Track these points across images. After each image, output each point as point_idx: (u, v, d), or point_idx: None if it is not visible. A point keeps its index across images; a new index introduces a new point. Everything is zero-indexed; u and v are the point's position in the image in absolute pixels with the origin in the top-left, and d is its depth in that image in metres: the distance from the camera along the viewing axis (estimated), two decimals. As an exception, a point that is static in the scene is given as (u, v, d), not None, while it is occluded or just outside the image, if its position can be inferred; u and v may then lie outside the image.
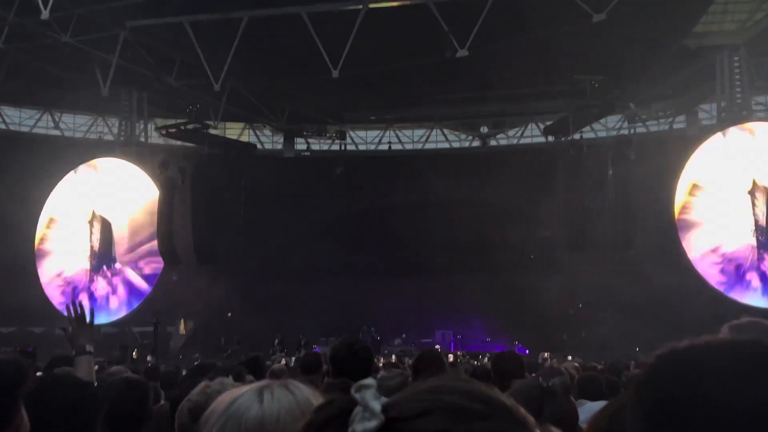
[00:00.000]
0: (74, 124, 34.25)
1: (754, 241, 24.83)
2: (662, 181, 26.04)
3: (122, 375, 4.28)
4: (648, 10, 22.43)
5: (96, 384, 3.84)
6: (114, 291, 29.36)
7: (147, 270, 29.17)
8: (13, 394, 2.02)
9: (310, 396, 1.58)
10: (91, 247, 29.98)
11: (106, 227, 29.92)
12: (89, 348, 4.05)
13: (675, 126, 31.78)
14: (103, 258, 29.80)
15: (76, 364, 4.02)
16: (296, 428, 1.46)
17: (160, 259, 28.41)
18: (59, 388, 2.68)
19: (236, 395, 1.58)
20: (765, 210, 24.61)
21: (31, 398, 2.18)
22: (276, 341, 25.95)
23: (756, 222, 24.80)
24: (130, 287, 29.24)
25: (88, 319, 4.19)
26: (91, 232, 29.98)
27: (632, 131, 32.23)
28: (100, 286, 29.55)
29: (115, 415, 3.27)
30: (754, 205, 24.72)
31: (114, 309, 28.97)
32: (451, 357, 22.38)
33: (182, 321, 30.39)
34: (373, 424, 0.88)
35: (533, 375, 5.17)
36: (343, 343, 4.43)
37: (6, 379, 2.00)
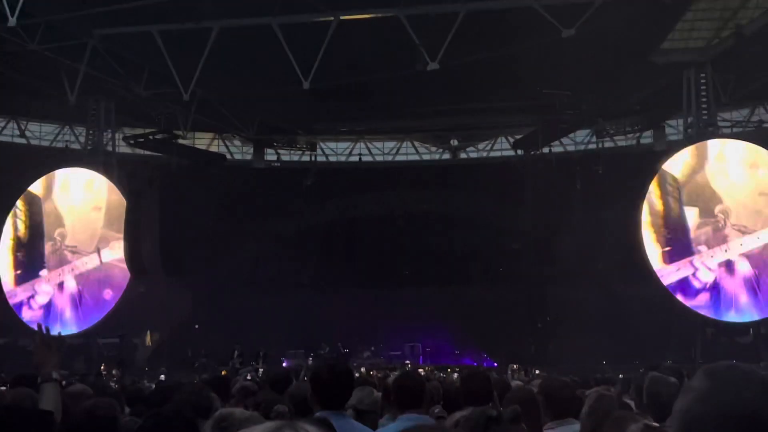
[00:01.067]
0: (41, 132, 33.82)
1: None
2: (629, 195, 26.28)
3: (86, 403, 4.13)
4: (616, 27, 22.66)
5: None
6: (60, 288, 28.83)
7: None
8: None
9: None
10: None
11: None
12: (56, 375, 3.92)
13: (642, 141, 32.12)
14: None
15: (41, 392, 3.87)
16: None
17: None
18: (16, 419, 2.57)
19: None
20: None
21: None
22: (236, 353, 25.64)
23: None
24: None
25: (54, 344, 4.05)
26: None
27: (600, 146, 32.59)
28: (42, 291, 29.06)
29: None
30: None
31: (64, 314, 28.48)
32: (421, 371, 22.33)
33: (149, 333, 30.06)
34: None
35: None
36: (325, 367, 4.37)
37: None
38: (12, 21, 21.03)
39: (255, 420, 2.91)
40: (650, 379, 4.74)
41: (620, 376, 12.90)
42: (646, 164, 27.02)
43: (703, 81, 25.91)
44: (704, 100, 26.06)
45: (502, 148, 35.46)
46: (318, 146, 35.91)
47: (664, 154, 27.40)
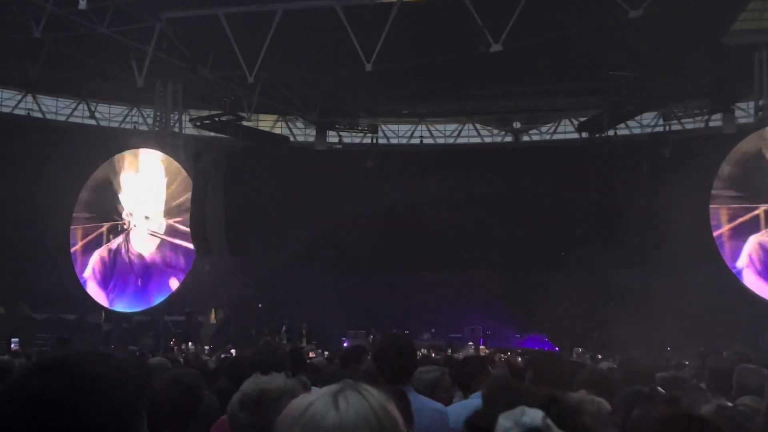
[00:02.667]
0: (110, 114, 34.58)
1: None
2: (697, 179, 25.73)
3: (172, 372, 4.23)
4: (685, 7, 22.15)
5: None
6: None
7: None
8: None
9: (384, 402, 1.58)
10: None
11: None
12: None
13: (711, 124, 31.33)
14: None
15: None
16: None
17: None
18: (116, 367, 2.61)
19: (310, 400, 1.57)
20: None
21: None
22: (284, 329, 25.82)
23: None
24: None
25: None
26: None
27: (667, 129, 31.88)
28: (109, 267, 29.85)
29: (165, 415, 3.25)
30: None
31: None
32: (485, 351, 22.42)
33: (213, 311, 30.61)
34: None
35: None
36: (388, 342, 4.43)
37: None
38: (82, 4, 21.57)
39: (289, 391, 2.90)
40: (739, 370, 4.66)
41: (686, 362, 12.69)
42: (714, 148, 26.42)
43: (775, 62, 25.20)
44: (776, 82, 25.35)
45: (566, 130, 34.99)
46: (379, 128, 35.95)
47: (733, 137, 26.74)
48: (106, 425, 1.57)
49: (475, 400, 4.41)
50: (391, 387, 3.77)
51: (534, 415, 1.33)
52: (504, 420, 1.34)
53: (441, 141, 36.39)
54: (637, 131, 32.92)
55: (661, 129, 32.15)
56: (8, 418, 1.53)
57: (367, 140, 35.75)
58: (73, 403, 1.54)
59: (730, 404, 3.31)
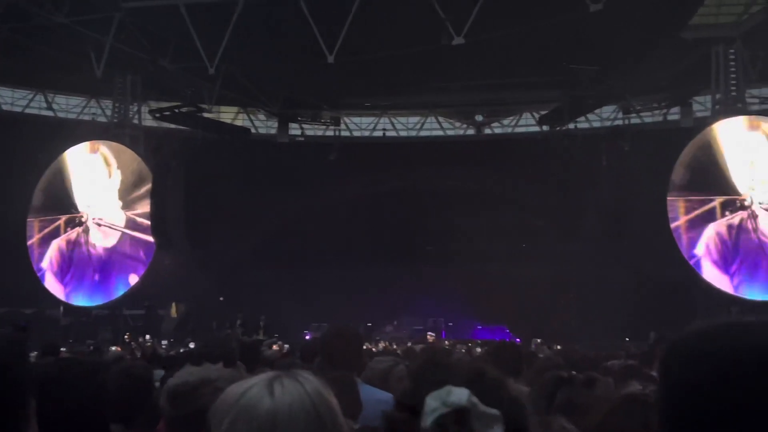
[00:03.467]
0: (67, 105, 34.08)
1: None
2: (656, 172, 26.08)
3: (123, 364, 4.19)
4: (644, 1, 22.40)
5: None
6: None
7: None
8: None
9: (320, 388, 1.57)
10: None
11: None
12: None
13: (669, 118, 31.79)
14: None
15: None
16: (309, 421, 1.48)
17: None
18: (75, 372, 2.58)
19: (245, 387, 1.56)
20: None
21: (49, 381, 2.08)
22: (238, 322, 25.39)
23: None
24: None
25: None
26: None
27: (627, 122, 32.27)
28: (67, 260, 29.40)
29: (115, 408, 3.20)
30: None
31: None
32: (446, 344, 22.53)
33: (174, 305, 30.37)
34: None
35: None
36: (334, 332, 4.42)
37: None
38: (40, -7, 21.18)
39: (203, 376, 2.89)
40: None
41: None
42: (672, 141, 26.78)
43: (732, 57, 25.58)
44: (733, 76, 25.75)
45: (527, 123, 35.23)
46: (342, 121, 35.89)
47: (691, 130, 27.14)
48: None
49: None
50: (340, 373, 3.78)
51: (460, 394, 1.35)
52: (431, 400, 1.35)
53: (404, 134, 36.44)
54: (596, 124, 33.29)
55: (620, 122, 32.54)
56: None
57: (330, 133, 35.68)
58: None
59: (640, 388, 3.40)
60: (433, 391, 1.37)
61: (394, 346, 17.99)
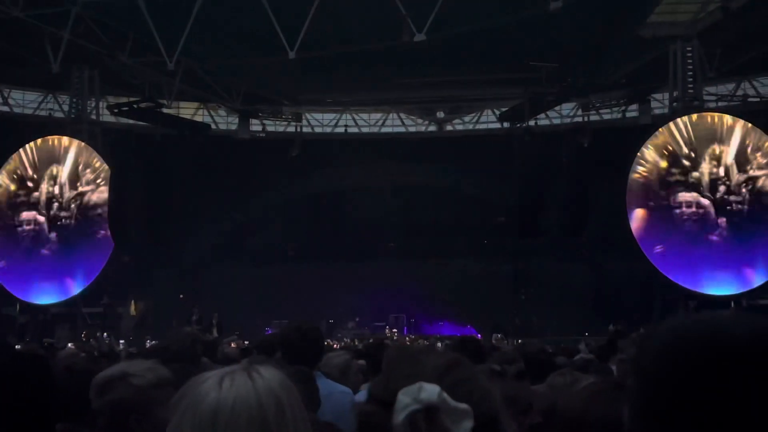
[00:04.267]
0: (24, 100, 33.49)
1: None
2: (615, 168, 26.38)
3: (69, 360, 4.11)
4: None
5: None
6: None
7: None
8: None
9: (274, 383, 1.55)
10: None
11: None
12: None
13: (628, 114, 32.22)
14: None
15: None
16: (252, 418, 1.47)
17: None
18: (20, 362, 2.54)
19: (201, 381, 1.56)
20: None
21: None
22: (194, 318, 24.72)
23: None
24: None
25: None
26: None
27: (586, 119, 32.63)
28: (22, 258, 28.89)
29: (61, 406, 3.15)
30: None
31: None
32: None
33: (133, 302, 30.05)
34: None
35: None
36: (292, 327, 4.40)
37: None
38: (-6, -14, 20.78)
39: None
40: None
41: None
42: (631, 138, 27.10)
43: (689, 55, 25.91)
44: (690, 74, 26.08)
45: (488, 120, 35.44)
46: (304, 117, 35.78)
47: (649, 127, 27.48)
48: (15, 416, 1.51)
49: None
50: (297, 368, 3.75)
51: (431, 391, 1.35)
52: (403, 397, 1.35)
53: (366, 130, 36.42)
54: (557, 121, 33.60)
55: (579, 119, 32.89)
56: None
57: (291, 129, 35.55)
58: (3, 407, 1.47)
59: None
60: (404, 384, 1.37)
61: (356, 342, 18.00)
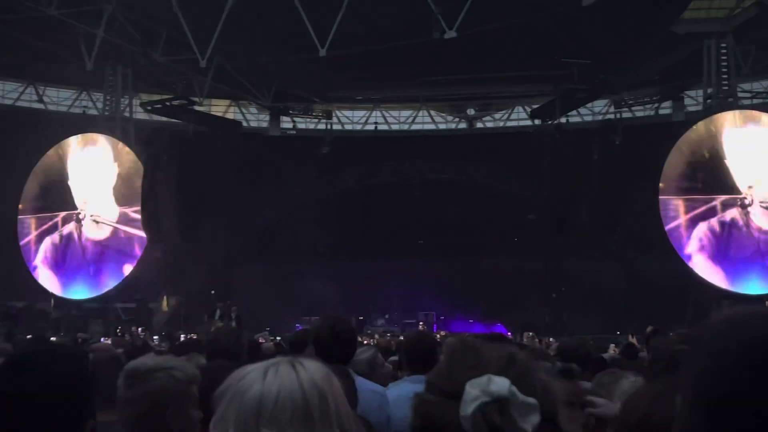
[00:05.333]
0: (58, 98, 33.93)
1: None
2: (647, 166, 26.11)
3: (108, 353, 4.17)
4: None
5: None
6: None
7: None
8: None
9: (316, 376, 1.57)
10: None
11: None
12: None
13: (661, 112, 31.87)
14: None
15: None
16: (296, 409, 1.48)
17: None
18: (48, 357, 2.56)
19: (245, 372, 1.58)
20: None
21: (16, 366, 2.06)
22: (217, 312, 24.63)
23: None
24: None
25: None
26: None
27: (618, 116, 32.32)
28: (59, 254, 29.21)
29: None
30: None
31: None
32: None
33: (165, 298, 30.30)
34: None
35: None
36: (325, 325, 4.36)
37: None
38: (30, -15, 21.06)
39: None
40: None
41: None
42: (664, 135, 26.81)
43: (723, 51, 25.58)
44: (724, 70, 25.75)
45: (519, 117, 35.26)
46: (334, 114, 35.84)
47: (682, 124, 27.18)
48: (69, 417, 1.56)
49: (407, 386, 4.38)
50: (334, 366, 3.74)
51: (501, 384, 1.35)
52: (471, 389, 1.35)
53: (396, 127, 36.40)
54: (588, 118, 33.33)
55: (611, 116, 32.59)
56: None
57: (322, 126, 35.63)
58: (42, 401, 1.51)
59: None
60: (469, 376, 1.37)
61: (388, 335, 18.00)
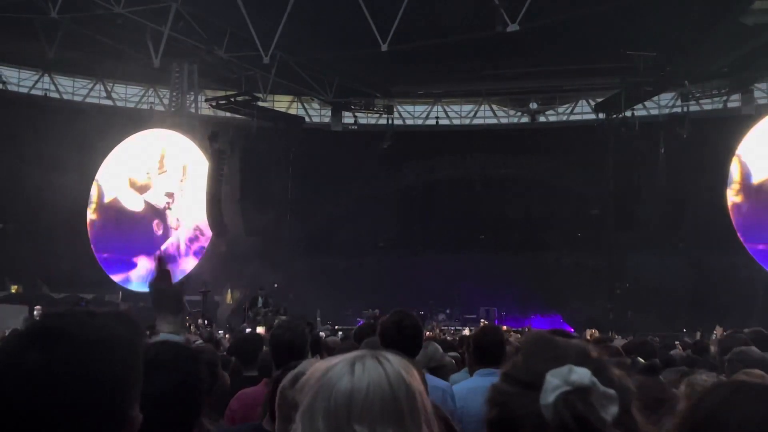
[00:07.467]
0: (126, 94, 34.67)
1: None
2: (715, 160, 25.54)
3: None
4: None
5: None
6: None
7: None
8: None
9: (401, 369, 1.58)
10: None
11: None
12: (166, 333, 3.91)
13: (729, 105, 31.07)
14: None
15: None
16: (385, 403, 1.50)
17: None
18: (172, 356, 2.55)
19: (331, 364, 1.58)
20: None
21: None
22: (260, 300, 24.15)
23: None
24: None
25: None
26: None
27: (685, 109, 31.60)
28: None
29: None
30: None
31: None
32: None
33: (229, 291, 30.76)
34: None
35: None
36: (391, 321, 4.35)
37: None
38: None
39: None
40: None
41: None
42: (733, 128, 26.19)
43: (795, 42, 24.84)
44: (797, 62, 25.04)
45: (582, 111, 34.76)
46: (395, 109, 35.85)
47: (752, 117, 26.49)
48: (107, 391, 1.50)
49: (479, 379, 4.38)
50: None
51: (582, 374, 1.37)
52: (552, 378, 1.36)
53: (457, 122, 36.26)
54: (654, 112, 32.66)
55: (678, 110, 31.88)
56: (10, 395, 1.42)
57: (383, 121, 35.68)
58: (74, 373, 1.43)
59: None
60: (549, 366, 1.38)
61: (451, 332, 17.97)
